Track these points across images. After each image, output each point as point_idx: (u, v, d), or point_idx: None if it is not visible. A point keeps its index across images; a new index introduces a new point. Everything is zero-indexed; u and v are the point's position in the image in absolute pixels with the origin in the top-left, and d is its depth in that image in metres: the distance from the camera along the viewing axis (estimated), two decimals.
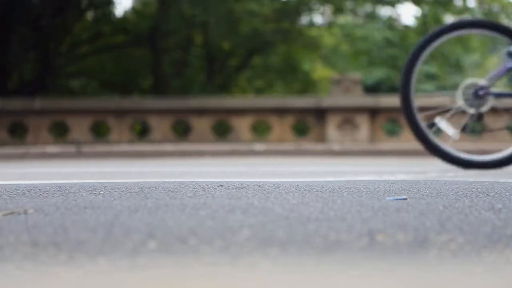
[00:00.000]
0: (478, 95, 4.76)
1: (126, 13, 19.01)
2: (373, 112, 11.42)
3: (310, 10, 18.33)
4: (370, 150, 10.42)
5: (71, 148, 10.21)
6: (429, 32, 5.09)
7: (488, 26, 4.86)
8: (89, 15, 18.01)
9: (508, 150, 4.76)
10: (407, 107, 4.91)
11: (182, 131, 11.89)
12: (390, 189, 2.39)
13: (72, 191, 2.35)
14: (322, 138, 11.39)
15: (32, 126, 11.43)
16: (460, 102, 4.84)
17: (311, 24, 19.22)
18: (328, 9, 18.59)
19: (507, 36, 4.80)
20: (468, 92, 4.79)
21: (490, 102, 4.79)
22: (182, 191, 2.32)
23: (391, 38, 18.90)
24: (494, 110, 5.18)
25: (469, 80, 4.84)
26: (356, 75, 12.26)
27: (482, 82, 4.78)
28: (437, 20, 17.58)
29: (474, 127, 5.12)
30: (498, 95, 4.84)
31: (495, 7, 17.53)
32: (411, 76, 4.89)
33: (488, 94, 4.74)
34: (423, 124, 4.93)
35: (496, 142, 10.71)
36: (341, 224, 1.61)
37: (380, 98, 11.94)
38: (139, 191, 2.32)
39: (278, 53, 19.08)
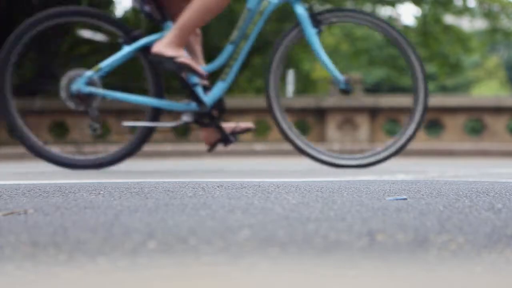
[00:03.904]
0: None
1: (126, 13, 19.01)
2: (373, 112, 11.43)
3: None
4: (370, 150, 10.42)
5: (71, 148, 10.21)
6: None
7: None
8: None
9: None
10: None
11: (182, 131, 11.89)
12: (390, 189, 2.39)
13: (72, 191, 2.35)
14: (322, 138, 11.39)
15: (32, 126, 11.43)
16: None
17: None
18: None
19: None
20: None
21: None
22: (182, 191, 2.32)
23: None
24: None
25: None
26: (356, 75, 12.27)
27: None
28: (437, 20, 17.58)
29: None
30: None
31: (495, 7, 17.53)
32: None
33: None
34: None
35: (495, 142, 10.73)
36: (341, 224, 1.61)
37: (380, 98, 11.93)
38: (139, 191, 2.33)
39: None
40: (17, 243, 1.45)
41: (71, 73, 4.69)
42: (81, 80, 4.65)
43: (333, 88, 11.56)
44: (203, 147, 10.49)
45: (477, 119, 11.60)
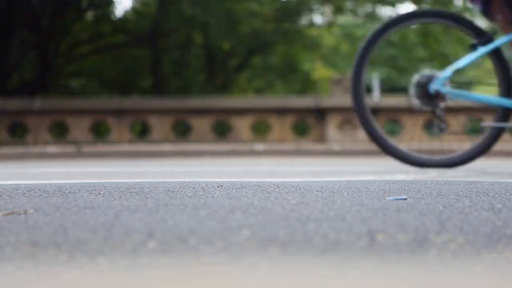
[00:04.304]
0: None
1: (126, 13, 19.02)
2: (373, 112, 11.43)
3: (310, 10, 18.33)
4: (370, 150, 10.42)
5: (71, 148, 10.21)
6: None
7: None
8: (89, 15, 18.01)
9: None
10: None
11: (182, 131, 11.89)
12: (390, 189, 2.39)
13: (72, 191, 2.35)
14: (322, 138, 11.39)
15: (32, 126, 11.43)
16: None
17: (311, 24, 19.22)
18: (328, 9, 18.59)
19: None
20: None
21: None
22: (182, 191, 2.32)
23: (391, 38, 18.89)
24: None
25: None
26: None
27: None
28: None
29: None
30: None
31: None
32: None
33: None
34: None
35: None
36: (341, 224, 1.61)
37: (380, 98, 11.93)
38: (139, 191, 2.33)
39: (278, 53, 19.09)
40: (17, 243, 1.45)
41: (426, 72, 4.70)
42: (439, 80, 4.65)
43: (333, 88, 11.56)
44: (203, 147, 10.49)
45: (477, 119, 11.61)
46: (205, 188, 2.40)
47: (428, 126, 11.77)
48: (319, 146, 10.63)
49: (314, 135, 11.49)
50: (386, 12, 19.49)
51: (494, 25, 5.06)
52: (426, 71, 4.72)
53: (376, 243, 1.45)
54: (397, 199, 2.11)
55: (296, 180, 3.29)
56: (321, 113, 11.44)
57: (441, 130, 4.77)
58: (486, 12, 5.01)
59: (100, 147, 10.46)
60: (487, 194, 2.23)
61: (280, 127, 11.47)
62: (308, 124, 11.68)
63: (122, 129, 11.49)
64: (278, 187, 2.42)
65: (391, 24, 4.73)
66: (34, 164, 7.33)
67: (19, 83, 15.83)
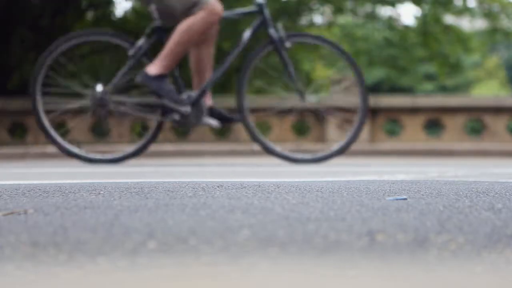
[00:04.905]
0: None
1: (126, 13, 19.01)
2: (373, 112, 11.42)
3: (310, 10, 18.32)
4: (370, 150, 10.43)
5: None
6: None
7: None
8: (89, 15, 18.00)
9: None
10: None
11: (182, 131, 11.89)
12: (390, 189, 2.39)
13: (72, 191, 2.35)
14: (322, 138, 11.38)
15: (32, 126, 11.43)
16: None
17: (311, 24, 19.21)
18: (328, 9, 18.59)
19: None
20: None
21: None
22: (182, 191, 2.32)
23: (391, 38, 18.89)
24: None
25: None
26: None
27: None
28: (437, 20, 17.58)
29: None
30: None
31: (495, 7, 17.52)
32: None
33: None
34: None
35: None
36: (341, 224, 1.61)
37: (380, 98, 11.93)
38: (139, 191, 2.32)
39: None
40: (17, 243, 1.45)
41: None
42: None
43: (333, 88, 11.56)
44: (203, 147, 10.49)
45: (477, 119, 11.60)
46: (205, 188, 2.40)
47: (428, 126, 11.77)
48: (319, 146, 10.63)
49: (314, 135, 11.49)
50: (386, 12, 19.49)
51: None
52: None
53: (376, 243, 1.45)
54: (397, 199, 2.11)
55: (296, 180, 3.29)
56: (321, 113, 11.43)
57: None
58: None
59: (100, 147, 10.46)
60: (487, 194, 2.23)
61: (280, 127, 11.46)
62: (308, 124, 11.68)
63: (122, 129, 11.49)
64: (278, 187, 2.42)
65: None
66: (34, 164, 7.33)
67: (19, 83, 15.82)
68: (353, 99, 11.08)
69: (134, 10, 18.90)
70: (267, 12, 5.89)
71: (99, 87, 5.46)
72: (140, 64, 5.53)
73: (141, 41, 5.52)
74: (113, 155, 5.83)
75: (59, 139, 5.70)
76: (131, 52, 5.49)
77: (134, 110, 5.55)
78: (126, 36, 5.75)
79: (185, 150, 10.16)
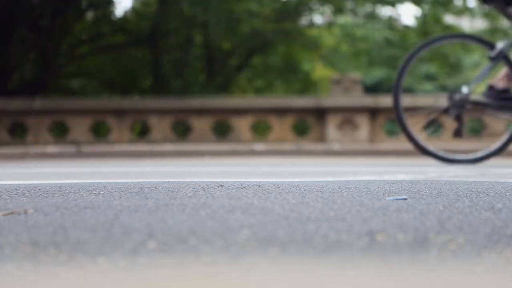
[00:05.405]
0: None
1: (126, 13, 19.02)
2: (373, 112, 11.42)
3: (310, 10, 18.33)
4: (370, 150, 10.42)
5: (71, 148, 10.21)
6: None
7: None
8: (89, 15, 18.01)
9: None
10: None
11: (182, 131, 11.89)
12: (390, 189, 2.39)
13: (72, 191, 2.35)
14: (322, 138, 11.38)
15: (32, 126, 11.43)
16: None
17: (311, 24, 19.22)
18: (328, 9, 18.59)
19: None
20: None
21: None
22: (182, 191, 2.32)
23: (391, 38, 18.88)
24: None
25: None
26: (356, 75, 12.25)
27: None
28: (437, 20, 17.58)
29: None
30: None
31: None
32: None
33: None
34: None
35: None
36: (341, 224, 1.61)
37: (380, 98, 11.93)
38: (139, 191, 2.32)
39: (278, 53, 19.08)
40: (17, 243, 1.45)
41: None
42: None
43: (333, 88, 11.56)
44: (203, 147, 10.48)
45: (477, 119, 11.60)
46: (205, 188, 2.40)
47: (428, 126, 11.76)
48: (319, 146, 10.63)
49: (314, 135, 11.49)
50: (386, 12, 19.49)
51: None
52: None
53: (376, 243, 1.45)
54: (397, 199, 2.11)
55: (296, 180, 3.29)
56: (321, 113, 11.44)
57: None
58: None
59: (100, 147, 10.46)
60: (487, 194, 2.23)
61: (280, 127, 11.47)
62: (308, 124, 11.68)
63: (122, 129, 11.49)
64: (278, 187, 2.42)
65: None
66: (34, 164, 7.33)
67: (19, 83, 15.82)
68: None
69: (134, 10, 18.91)
70: None
71: (465, 89, 5.44)
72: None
73: (501, 44, 5.46)
74: (474, 155, 5.70)
75: (416, 137, 5.67)
76: (491, 54, 5.42)
77: (493, 110, 5.58)
78: (484, 39, 5.80)
79: (185, 150, 10.16)
